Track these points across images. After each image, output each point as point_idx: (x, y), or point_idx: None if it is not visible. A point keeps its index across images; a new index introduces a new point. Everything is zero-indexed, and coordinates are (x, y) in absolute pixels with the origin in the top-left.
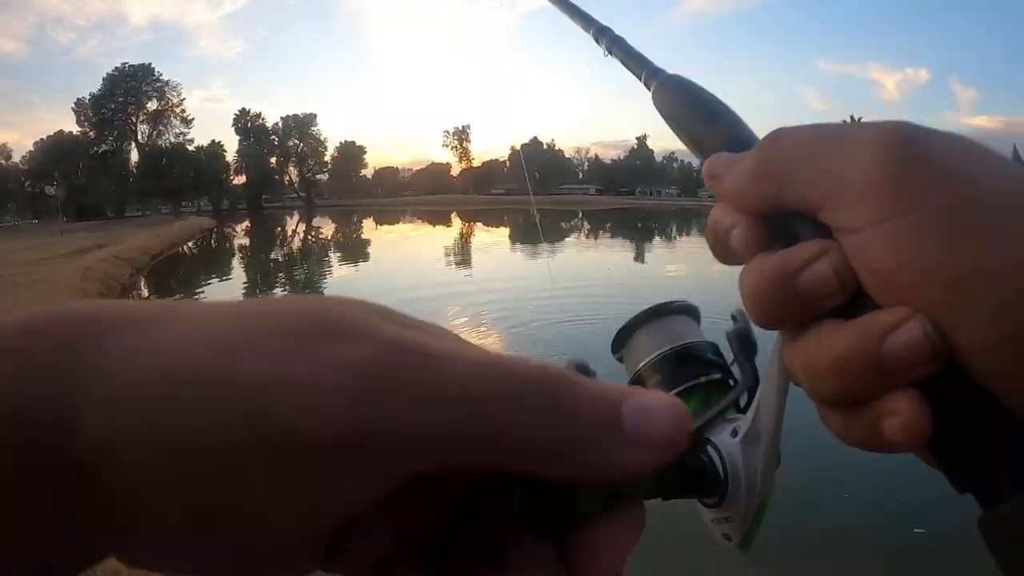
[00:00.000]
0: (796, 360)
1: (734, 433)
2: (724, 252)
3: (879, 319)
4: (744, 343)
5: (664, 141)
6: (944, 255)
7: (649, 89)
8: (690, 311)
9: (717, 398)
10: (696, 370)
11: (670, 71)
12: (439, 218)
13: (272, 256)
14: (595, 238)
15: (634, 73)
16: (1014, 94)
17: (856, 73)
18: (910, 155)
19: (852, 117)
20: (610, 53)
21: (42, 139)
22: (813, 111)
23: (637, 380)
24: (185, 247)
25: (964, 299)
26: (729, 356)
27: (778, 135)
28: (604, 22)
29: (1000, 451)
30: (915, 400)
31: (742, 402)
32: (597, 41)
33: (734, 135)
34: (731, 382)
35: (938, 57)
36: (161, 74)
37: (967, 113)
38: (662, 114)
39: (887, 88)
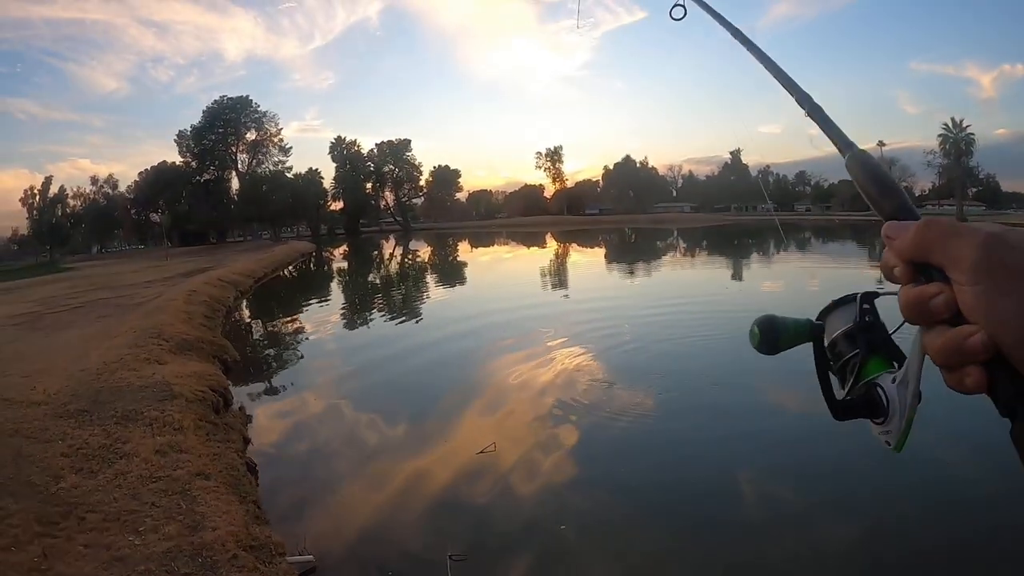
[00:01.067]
0: (926, 343)
1: (893, 380)
2: (889, 278)
3: (965, 330)
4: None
5: (759, 155)
6: (992, 308)
7: (843, 155)
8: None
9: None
10: (872, 337)
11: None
12: (533, 239)
13: (370, 279)
14: (692, 255)
15: (830, 139)
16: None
17: (950, 72)
18: (991, 256)
19: (952, 120)
20: (810, 116)
21: (146, 169)
22: (907, 114)
23: (832, 344)
24: (286, 271)
25: (1002, 328)
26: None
27: (930, 223)
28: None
29: (1020, 391)
30: (979, 370)
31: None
32: (800, 104)
33: (902, 205)
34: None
35: None
36: (259, 105)
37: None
38: (852, 177)
39: (983, 86)
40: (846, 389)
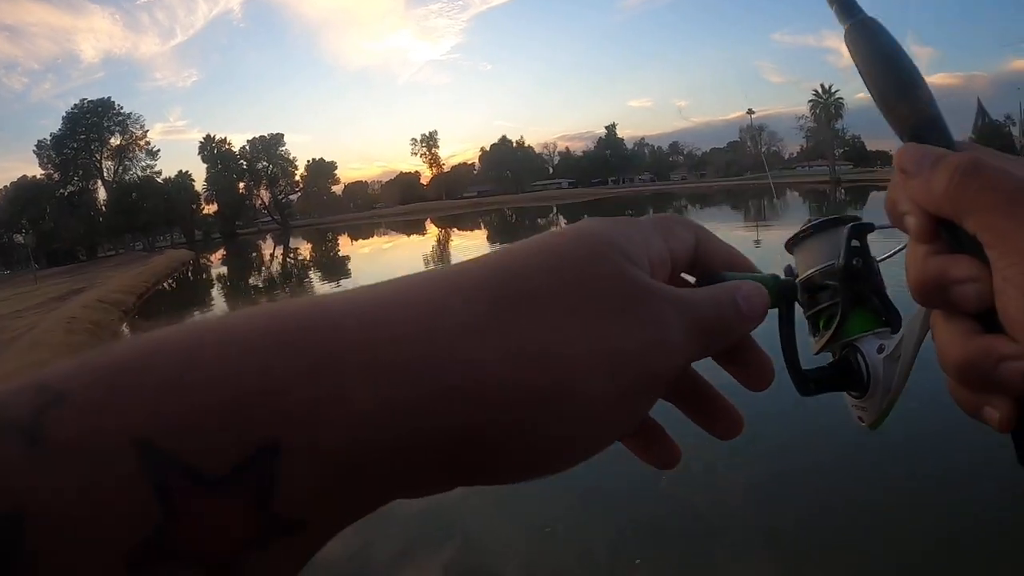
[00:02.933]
0: (938, 335)
1: (880, 349)
2: (894, 221)
3: (1002, 346)
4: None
5: (632, 129)
6: None
7: (842, 25)
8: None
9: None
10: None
11: (632, 62)
12: (413, 227)
13: (252, 282)
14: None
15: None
16: (970, 50)
17: (811, 42)
18: None
19: (822, 86)
20: None
21: (5, 187)
22: (772, 84)
23: (807, 282)
24: (166, 283)
25: None
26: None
27: (977, 167)
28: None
29: None
30: (1011, 407)
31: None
32: None
33: (927, 116)
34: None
35: (895, 19)
36: (122, 107)
37: (925, 71)
38: (853, 59)
39: (843, 54)
40: (815, 350)
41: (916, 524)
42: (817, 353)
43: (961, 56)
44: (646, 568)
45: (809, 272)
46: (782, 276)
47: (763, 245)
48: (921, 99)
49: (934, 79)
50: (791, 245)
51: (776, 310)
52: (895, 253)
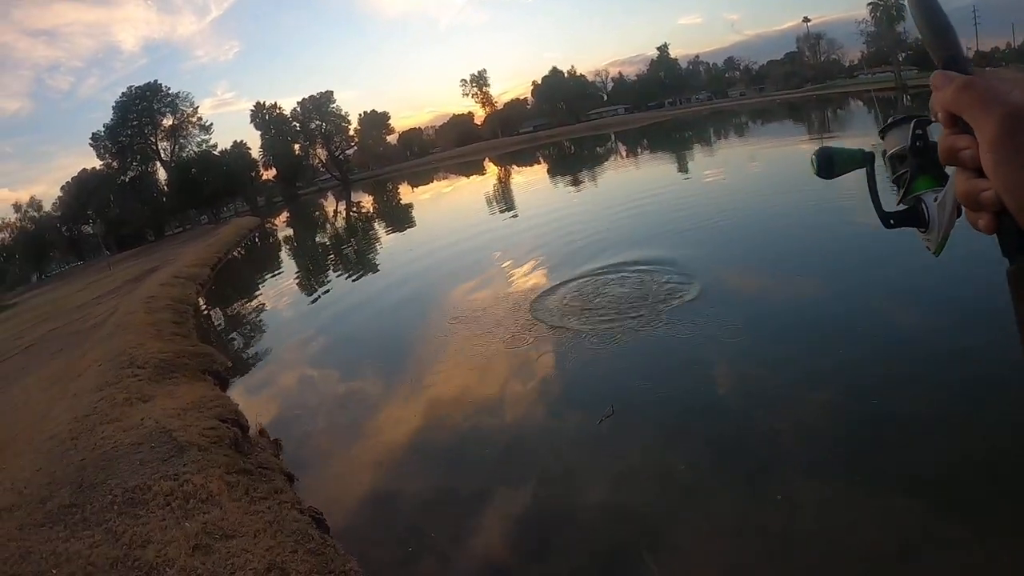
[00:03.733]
0: (956, 182)
1: (935, 199)
2: (935, 119)
3: (981, 184)
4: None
5: (684, 48)
6: (1001, 177)
7: None
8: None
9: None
10: (922, 160)
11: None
12: (471, 168)
13: (319, 240)
14: (634, 157)
15: None
16: None
17: None
18: (1008, 135)
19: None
20: None
21: (68, 182)
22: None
23: (890, 157)
24: (236, 251)
25: (1008, 194)
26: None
27: (968, 85)
28: None
29: (1019, 244)
30: (990, 217)
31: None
32: None
33: (952, 57)
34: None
35: None
36: (169, 88)
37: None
38: (911, 12)
39: None
40: (898, 200)
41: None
42: (899, 204)
43: None
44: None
45: (892, 151)
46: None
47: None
48: (948, 47)
49: None
50: (882, 133)
51: (866, 171)
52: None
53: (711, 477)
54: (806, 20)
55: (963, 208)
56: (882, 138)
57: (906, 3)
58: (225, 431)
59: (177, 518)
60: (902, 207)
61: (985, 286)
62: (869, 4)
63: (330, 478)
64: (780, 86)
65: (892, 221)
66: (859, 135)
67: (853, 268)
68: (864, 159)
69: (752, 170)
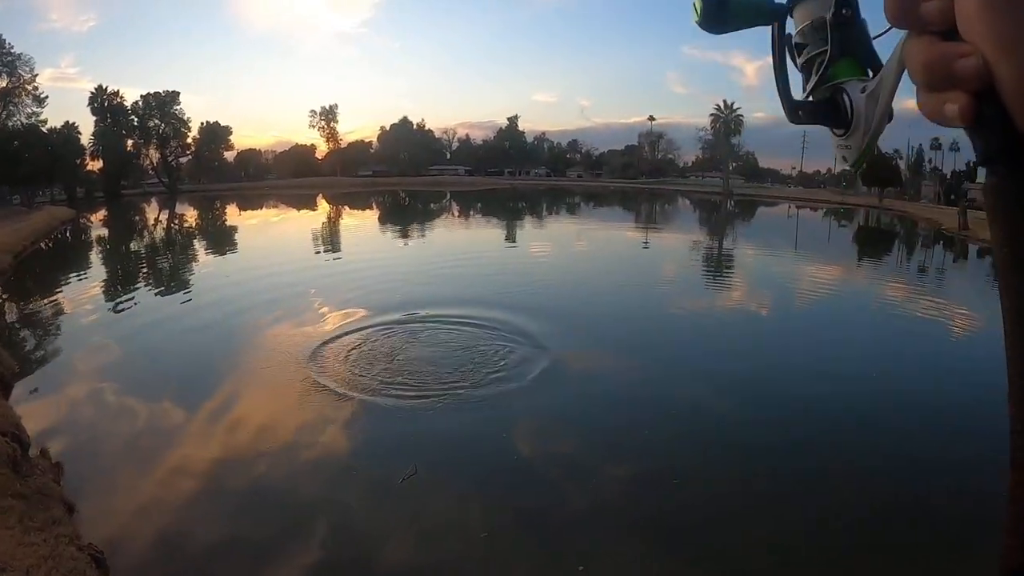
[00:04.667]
0: (909, 52)
1: (863, 90)
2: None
3: (959, 48)
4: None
5: (533, 123)
6: (999, 28)
7: None
8: None
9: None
10: (846, 36)
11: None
12: (304, 202)
13: (134, 248)
14: (466, 218)
15: None
16: None
17: (718, 59)
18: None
19: (724, 102)
20: None
21: None
22: (676, 94)
23: (800, 34)
24: (44, 243)
25: (1006, 56)
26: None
27: None
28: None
29: (1006, 142)
30: (967, 98)
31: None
32: None
33: None
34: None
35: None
36: (12, 46)
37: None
38: None
39: (747, 74)
40: (807, 90)
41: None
42: (807, 95)
43: None
44: None
45: (803, 23)
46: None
47: (651, 246)
48: None
49: None
50: (792, 3)
51: (770, 32)
52: (883, 33)
53: (511, 542)
54: (651, 119)
55: (922, 91)
56: (791, 12)
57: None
58: (4, 446)
59: None
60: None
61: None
62: (711, 115)
63: (114, 513)
64: (616, 175)
65: (801, 113)
66: (683, 231)
67: (663, 347)
68: (772, 12)
69: (577, 248)
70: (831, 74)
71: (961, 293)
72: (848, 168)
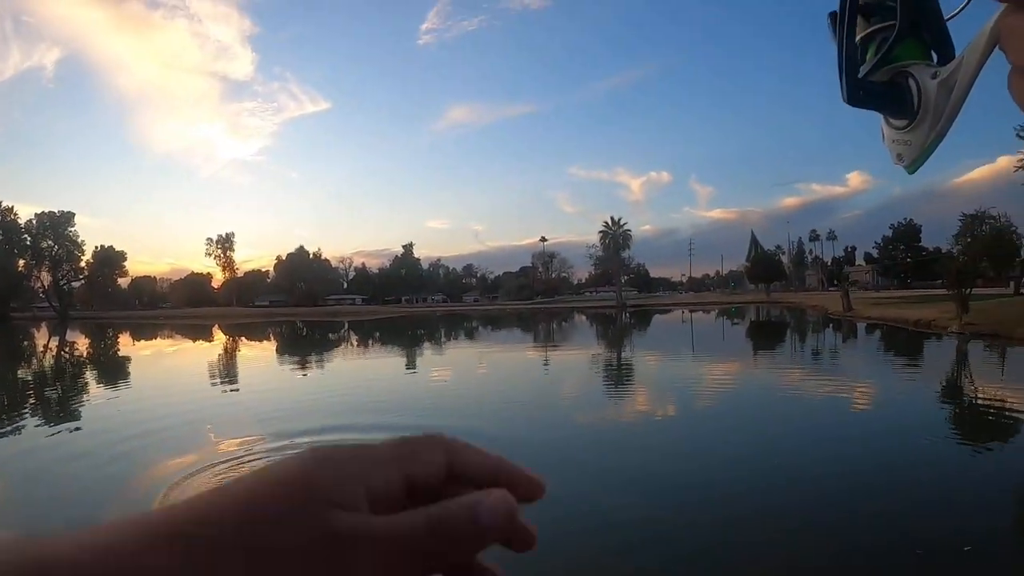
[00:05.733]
0: (1013, 28)
1: (934, 75)
2: None
3: None
4: None
5: (428, 249)
6: None
7: None
8: None
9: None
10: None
11: (435, 182)
12: (200, 333)
13: (21, 375)
14: (364, 347)
15: None
16: (745, 187)
17: (604, 177)
18: None
19: (612, 219)
20: None
21: None
22: (566, 213)
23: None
24: None
25: None
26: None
27: None
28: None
29: None
30: None
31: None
32: None
33: None
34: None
35: (677, 161)
36: None
37: (705, 207)
38: None
39: (633, 190)
40: (864, 70)
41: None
42: (864, 77)
43: (737, 194)
44: None
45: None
46: None
47: (551, 364)
48: None
49: (714, 214)
50: None
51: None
52: (963, 7)
53: None
54: (543, 239)
55: (1017, 76)
56: None
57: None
58: None
59: None
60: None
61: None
62: (600, 232)
63: None
64: (513, 296)
65: (862, 94)
66: (582, 346)
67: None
68: None
69: (477, 372)
70: (896, 55)
71: (856, 368)
72: (904, 168)
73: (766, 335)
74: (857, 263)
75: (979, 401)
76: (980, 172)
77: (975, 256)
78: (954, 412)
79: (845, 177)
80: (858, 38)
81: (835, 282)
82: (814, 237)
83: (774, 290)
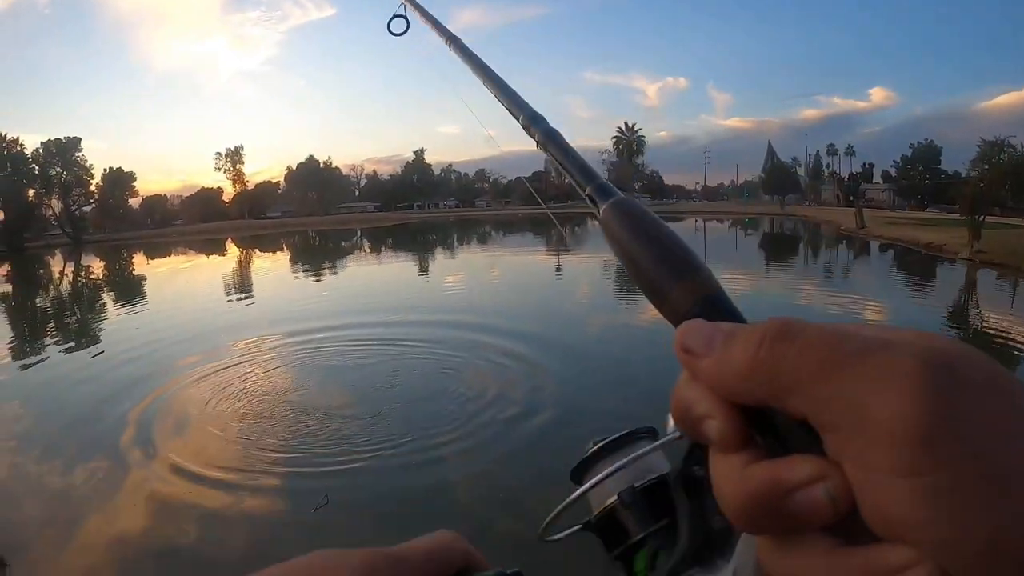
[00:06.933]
0: (780, 569)
1: None
2: (695, 435)
3: (886, 559)
4: (689, 486)
5: (440, 155)
6: (952, 522)
7: (595, 206)
8: (645, 434)
9: (664, 554)
10: (647, 518)
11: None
12: (214, 247)
13: (40, 303)
14: (377, 254)
15: (576, 183)
16: (764, 97)
17: (620, 82)
18: (947, 409)
19: (625, 124)
20: (544, 150)
21: None
22: (581, 119)
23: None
24: None
25: (970, 558)
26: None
27: (787, 331)
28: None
29: None
30: None
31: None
32: (527, 130)
33: (707, 293)
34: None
35: (696, 66)
36: None
37: (722, 115)
38: (609, 240)
39: (648, 95)
40: None
41: None
42: None
43: (756, 103)
44: None
45: (604, 506)
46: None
47: (563, 270)
48: (699, 274)
49: (731, 123)
50: (579, 469)
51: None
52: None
53: None
54: None
55: None
56: (577, 481)
57: (606, 224)
58: None
59: None
60: None
61: None
62: (614, 138)
63: None
64: (525, 201)
65: None
66: (593, 252)
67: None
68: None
69: (491, 276)
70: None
71: (865, 286)
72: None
73: (778, 247)
74: (874, 181)
75: (985, 330)
76: (1007, 98)
77: (993, 183)
78: (958, 337)
79: (868, 92)
80: (614, 554)
81: (850, 198)
82: (832, 151)
83: (789, 203)
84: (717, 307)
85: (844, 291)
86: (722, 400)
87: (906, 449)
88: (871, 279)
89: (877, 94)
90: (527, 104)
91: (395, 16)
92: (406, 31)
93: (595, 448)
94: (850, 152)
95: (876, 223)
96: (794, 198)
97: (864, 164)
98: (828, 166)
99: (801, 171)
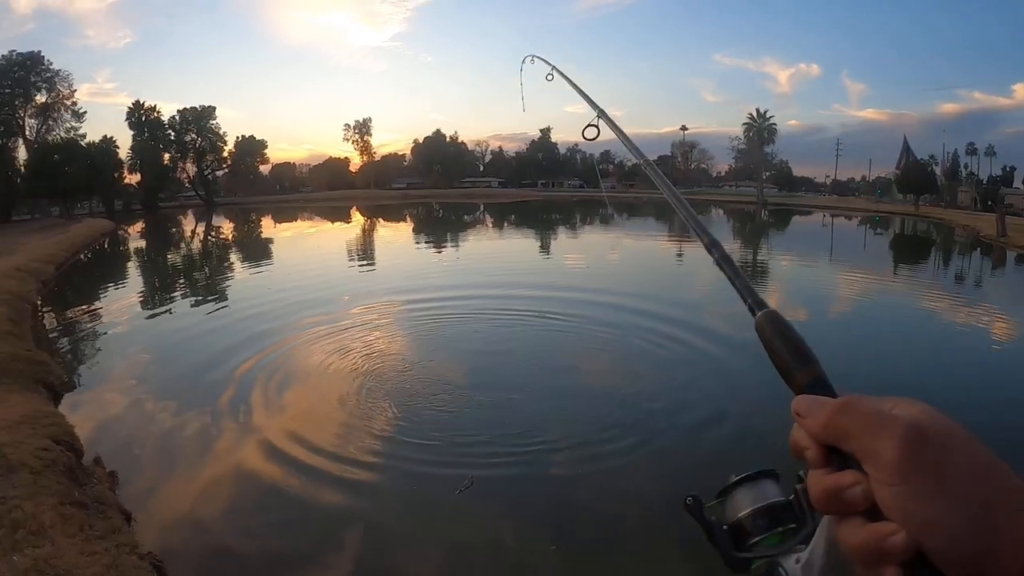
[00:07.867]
0: (842, 536)
1: (797, 560)
2: (798, 458)
3: (884, 528)
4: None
5: (565, 134)
6: (913, 511)
7: (752, 314)
8: (773, 475)
9: (789, 537)
10: (778, 519)
11: (572, 69)
12: (339, 214)
13: (172, 260)
14: (499, 229)
15: (740, 295)
16: (901, 88)
17: (750, 67)
18: (914, 453)
19: (757, 111)
20: (720, 267)
21: None
22: (707, 103)
23: (737, 525)
24: (83, 254)
25: (925, 532)
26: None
27: (846, 407)
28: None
29: None
30: (898, 572)
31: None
32: (709, 252)
33: (818, 379)
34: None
35: (830, 53)
36: (51, 63)
37: (856, 106)
38: (761, 338)
39: (780, 81)
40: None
41: None
42: (743, 556)
43: (891, 94)
44: None
45: (743, 513)
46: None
47: (684, 257)
48: (812, 367)
49: (865, 114)
50: (724, 495)
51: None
52: None
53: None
54: (684, 128)
55: (859, 566)
56: (721, 502)
57: (760, 328)
58: (59, 455)
59: (3, 549)
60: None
61: None
62: (744, 124)
63: (170, 521)
64: (649, 185)
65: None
66: (721, 242)
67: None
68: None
69: (610, 257)
70: (759, 546)
71: (999, 301)
72: None
73: (910, 249)
74: (1015, 185)
75: None
76: None
77: None
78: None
79: (1012, 88)
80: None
81: (988, 203)
82: (971, 151)
83: (923, 203)
84: (817, 387)
85: (974, 304)
86: (814, 441)
87: (893, 472)
88: (1009, 293)
89: (1022, 91)
90: (714, 239)
91: (588, 125)
92: (596, 137)
93: (735, 479)
94: (991, 152)
95: (1018, 231)
96: (929, 198)
97: (1004, 167)
98: (966, 166)
99: (938, 170)
